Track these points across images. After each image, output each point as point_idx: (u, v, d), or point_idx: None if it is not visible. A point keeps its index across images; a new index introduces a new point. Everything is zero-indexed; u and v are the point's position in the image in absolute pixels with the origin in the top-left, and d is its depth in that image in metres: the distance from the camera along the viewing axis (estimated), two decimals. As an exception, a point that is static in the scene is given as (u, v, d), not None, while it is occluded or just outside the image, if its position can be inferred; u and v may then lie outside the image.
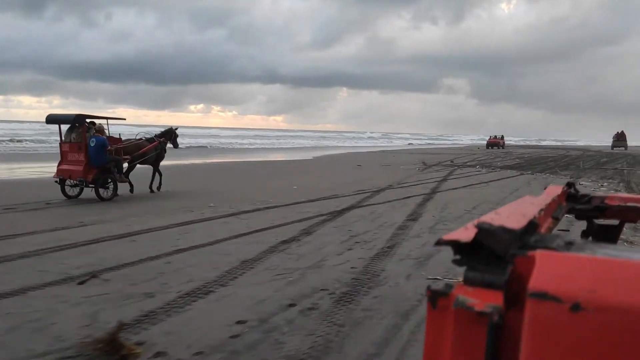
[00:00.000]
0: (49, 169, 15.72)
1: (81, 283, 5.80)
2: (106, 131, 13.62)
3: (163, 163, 15.29)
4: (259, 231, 8.77)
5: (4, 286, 5.61)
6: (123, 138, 14.67)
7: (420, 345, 2.42)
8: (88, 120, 13.49)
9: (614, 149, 61.14)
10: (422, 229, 9.08)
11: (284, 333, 4.43)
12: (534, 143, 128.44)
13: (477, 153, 43.95)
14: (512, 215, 0.92)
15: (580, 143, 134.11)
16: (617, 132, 64.80)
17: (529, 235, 0.77)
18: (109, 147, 13.05)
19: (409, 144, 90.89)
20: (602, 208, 1.48)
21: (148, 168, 14.72)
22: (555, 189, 1.48)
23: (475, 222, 0.78)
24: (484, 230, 0.74)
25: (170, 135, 15.49)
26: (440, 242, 0.76)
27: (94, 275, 6.05)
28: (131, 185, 13.79)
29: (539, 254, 0.68)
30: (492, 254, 0.73)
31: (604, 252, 0.72)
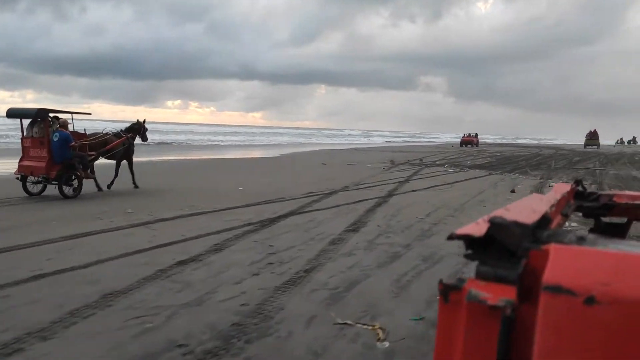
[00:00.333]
0: (12, 165, 13.99)
1: None
2: (70, 126, 12.80)
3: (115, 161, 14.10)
4: (160, 247, 7.11)
5: None
6: (105, 134, 13.85)
7: None
8: (51, 114, 12.55)
9: (587, 147, 60.76)
10: (358, 244, 7.48)
11: None
12: (509, 141, 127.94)
13: (449, 151, 42.54)
14: (523, 210, 0.89)
15: (557, 141, 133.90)
16: (590, 131, 64.44)
17: (541, 230, 0.75)
18: (73, 143, 12.33)
19: (386, 141, 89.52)
20: (610, 206, 1.42)
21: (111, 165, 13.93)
22: (563, 187, 1.40)
23: (488, 217, 0.77)
24: (496, 225, 0.72)
25: (138, 129, 14.65)
26: (452, 237, 0.74)
27: None
28: (97, 183, 13.10)
29: (553, 247, 0.67)
30: (504, 249, 0.71)
31: (617, 247, 0.70)
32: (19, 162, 12.58)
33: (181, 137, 57.59)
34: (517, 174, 20.29)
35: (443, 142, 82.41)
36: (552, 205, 1.04)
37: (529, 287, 0.67)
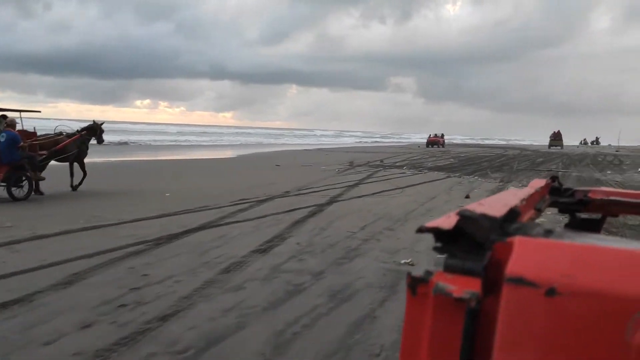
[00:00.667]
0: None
1: None
2: (18, 125, 11.95)
3: (54, 163, 13.04)
4: (-4, 279, 5.39)
5: None
6: (57, 134, 13.14)
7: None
8: None
9: (551, 148, 60.41)
10: (259, 272, 5.87)
11: None
12: (479, 142, 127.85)
13: (414, 152, 41.19)
14: (495, 204, 0.89)
15: (525, 142, 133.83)
16: (554, 132, 64.18)
17: (509, 223, 0.75)
18: (22, 143, 11.47)
19: (358, 142, 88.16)
20: (585, 202, 1.43)
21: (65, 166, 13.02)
22: (539, 182, 1.40)
23: (458, 210, 0.77)
24: (465, 218, 0.71)
25: (94, 130, 13.84)
26: (422, 230, 0.74)
27: None
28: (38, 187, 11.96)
29: (517, 240, 0.66)
30: (472, 242, 0.71)
31: (583, 240, 0.70)
32: None
33: (144, 137, 55.17)
34: (476, 177, 18.93)
35: (412, 142, 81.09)
36: (523, 200, 1.02)
37: (494, 280, 0.65)
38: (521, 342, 0.61)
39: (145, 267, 5.99)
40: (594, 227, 1.47)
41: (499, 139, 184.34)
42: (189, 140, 55.44)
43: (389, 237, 7.99)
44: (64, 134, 13.25)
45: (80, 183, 13.00)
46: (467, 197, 12.96)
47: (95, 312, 4.49)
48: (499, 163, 27.89)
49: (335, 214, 10.10)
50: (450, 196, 13.34)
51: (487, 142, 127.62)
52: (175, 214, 9.73)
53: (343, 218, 9.62)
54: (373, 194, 13.44)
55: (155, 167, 21.91)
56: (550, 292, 0.60)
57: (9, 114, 12.16)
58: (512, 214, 0.79)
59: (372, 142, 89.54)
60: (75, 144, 13.03)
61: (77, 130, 13.52)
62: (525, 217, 1.03)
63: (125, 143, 44.42)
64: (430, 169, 22.77)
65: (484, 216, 0.73)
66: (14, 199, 11.02)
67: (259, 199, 11.90)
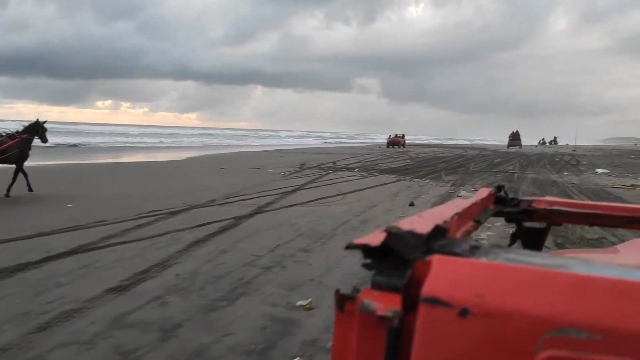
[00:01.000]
0: None
1: None
2: None
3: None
4: None
5: None
6: None
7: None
8: None
9: (510, 147, 60.06)
10: (87, 329, 4.15)
11: None
12: (443, 142, 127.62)
13: (373, 153, 39.69)
14: (431, 218, 0.86)
15: (488, 142, 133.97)
16: (512, 132, 63.96)
17: (435, 240, 0.73)
18: None
19: (323, 142, 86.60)
20: (529, 211, 1.40)
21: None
22: (484, 192, 1.35)
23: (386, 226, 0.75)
24: (392, 234, 0.70)
25: (36, 130, 12.69)
26: (350, 246, 0.71)
27: None
28: None
29: (435, 259, 0.65)
30: (400, 258, 0.69)
31: (505, 257, 0.69)
32: None
33: (101, 139, 52.47)
34: (428, 180, 17.45)
35: (376, 142, 79.51)
36: (457, 214, 0.96)
37: (414, 298, 0.63)
38: None
39: None
40: (539, 235, 1.42)
41: (463, 139, 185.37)
42: (146, 142, 52.86)
43: (298, 263, 6.35)
44: (4, 135, 12.22)
45: (8, 188, 11.82)
46: (412, 204, 11.44)
47: None
48: (456, 164, 26.58)
49: (250, 229, 8.42)
50: (394, 203, 11.79)
51: (450, 142, 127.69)
52: (55, 232, 7.91)
53: (256, 236, 7.95)
54: (308, 202, 11.80)
55: (90, 171, 19.80)
56: (463, 312, 0.59)
57: None
58: (438, 230, 0.74)
59: (336, 142, 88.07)
60: (17, 146, 12.01)
61: (17, 132, 12.45)
62: (462, 230, 1.02)
63: (75, 145, 41.84)
64: (383, 171, 21.25)
65: (410, 233, 0.71)
66: None
67: (173, 210, 10.13)
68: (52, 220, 8.84)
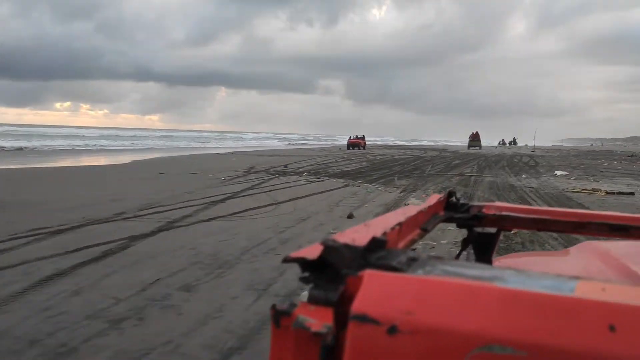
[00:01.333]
0: None
1: None
2: None
3: None
4: None
5: None
6: None
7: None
8: None
9: (470, 148, 59.59)
10: None
11: None
12: (406, 143, 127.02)
13: (331, 155, 37.90)
14: (376, 227, 0.83)
15: (452, 143, 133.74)
16: (473, 133, 63.62)
17: (372, 252, 0.69)
18: None
19: (288, 144, 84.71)
20: (479, 217, 1.34)
21: None
22: (434, 198, 1.28)
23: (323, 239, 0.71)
24: (328, 247, 0.66)
25: None
26: (287, 260, 0.68)
27: None
28: None
29: (367, 274, 0.62)
30: (337, 272, 0.65)
31: (441, 270, 0.66)
32: None
33: (56, 142, 49.52)
34: (378, 185, 15.83)
35: (340, 144, 77.57)
36: (398, 224, 0.89)
37: (347, 315, 0.60)
38: None
39: None
40: (490, 241, 1.36)
41: (427, 141, 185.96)
42: (101, 145, 50.04)
43: (165, 312, 4.59)
44: None
45: None
46: (350, 217, 9.80)
47: None
48: (412, 167, 25.10)
49: (138, 255, 6.62)
50: (331, 215, 10.13)
51: (415, 143, 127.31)
52: None
53: (138, 265, 6.16)
54: (233, 214, 10.03)
55: (13, 176, 17.57)
56: (392, 330, 0.57)
57: None
58: (376, 243, 0.71)
59: (301, 144, 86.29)
60: None
61: None
62: (407, 239, 0.97)
63: (20, 149, 39.02)
64: (334, 175, 19.57)
65: (346, 246, 0.67)
66: None
67: (62, 227, 8.27)
68: None
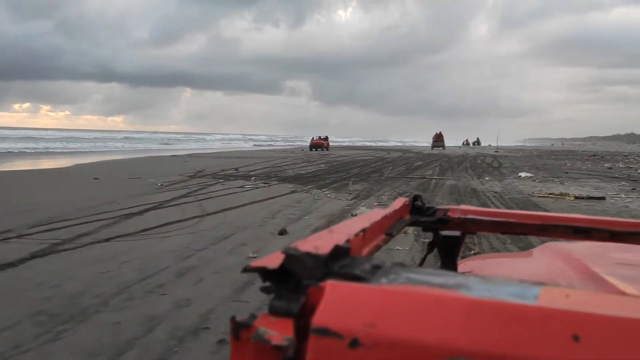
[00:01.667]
0: None
1: None
2: None
3: None
4: None
5: None
6: None
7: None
8: None
9: (434, 149, 58.74)
10: None
11: None
12: (374, 144, 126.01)
13: (291, 156, 36.02)
14: (339, 234, 0.78)
15: (419, 144, 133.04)
16: (436, 133, 62.85)
17: (335, 261, 0.65)
18: None
19: (254, 145, 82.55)
20: (445, 220, 1.32)
21: None
22: (399, 202, 1.24)
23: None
24: (289, 256, 0.63)
25: None
26: (247, 269, 0.64)
27: None
28: None
29: (328, 284, 0.59)
30: (299, 282, 0.62)
31: (405, 278, 0.63)
32: None
33: (10, 145, 46.41)
34: (329, 191, 14.13)
35: (305, 145, 75.49)
36: (362, 230, 0.84)
37: (308, 326, 0.57)
38: None
39: None
40: (455, 243, 1.33)
41: (395, 141, 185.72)
42: (54, 148, 47.11)
43: None
44: None
45: None
46: (282, 233, 8.07)
47: None
48: (371, 169, 23.49)
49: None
50: (260, 231, 8.38)
51: (382, 144, 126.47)
52: None
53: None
54: (143, 230, 8.20)
55: None
56: (354, 343, 0.54)
57: None
58: (339, 251, 0.67)
59: (267, 145, 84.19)
60: None
61: None
62: (372, 245, 0.92)
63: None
64: (285, 179, 17.80)
65: (308, 254, 0.63)
66: None
67: None
68: None
